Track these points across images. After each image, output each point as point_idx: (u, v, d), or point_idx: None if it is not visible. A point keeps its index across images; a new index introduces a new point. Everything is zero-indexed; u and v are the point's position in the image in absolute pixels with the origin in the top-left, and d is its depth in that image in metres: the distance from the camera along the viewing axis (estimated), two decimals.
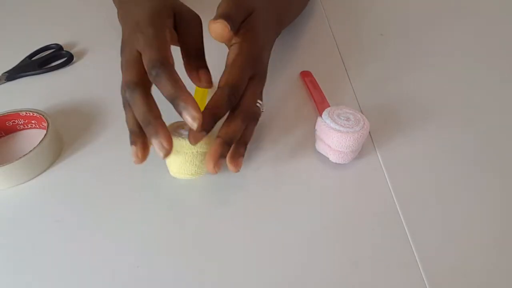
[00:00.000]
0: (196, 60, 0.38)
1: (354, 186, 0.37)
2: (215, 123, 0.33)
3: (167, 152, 0.31)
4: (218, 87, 0.34)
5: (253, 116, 0.37)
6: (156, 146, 0.32)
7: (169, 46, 0.34)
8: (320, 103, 0.44)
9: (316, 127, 0.38)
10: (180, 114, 0.31)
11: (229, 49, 0.38)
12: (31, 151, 0.38)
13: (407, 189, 0.36)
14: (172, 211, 0.36)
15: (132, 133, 0.34)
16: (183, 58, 0.38)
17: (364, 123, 0.37)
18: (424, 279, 0.30)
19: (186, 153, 0.34)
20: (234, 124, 0.34)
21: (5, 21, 0.66)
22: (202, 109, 0.45)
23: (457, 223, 0.34)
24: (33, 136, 0.44)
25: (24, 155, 0.38)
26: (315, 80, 0.47)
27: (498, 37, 0.55)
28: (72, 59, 0.56)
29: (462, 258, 0.31)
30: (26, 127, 0.45)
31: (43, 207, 0.37)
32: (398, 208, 0.35)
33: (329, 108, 0.39)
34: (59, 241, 0.34)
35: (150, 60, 0.32)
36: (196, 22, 0.39)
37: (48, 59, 0.56)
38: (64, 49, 0.58)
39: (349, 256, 0.32)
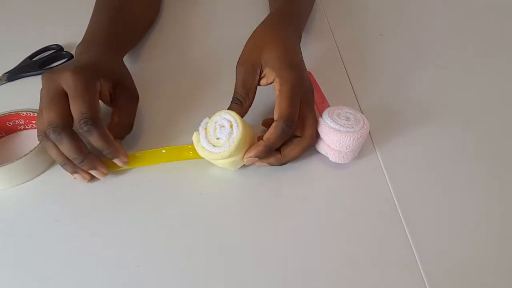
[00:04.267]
0: (122, 132, 0.41)
1: (354, 186, 0.37)
2: (270, 154, 0.36)
3: (127, 164, 0.38)
4: (275, 120, 0.35)
5: (308, 144, 0.38)
6: (95, 175, 0.38)
7: (97, 99, 0.37)
8: (320, 103, 0.43)
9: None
10: (112, 159, 0.37)
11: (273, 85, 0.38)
12: (31, 151, 0.38)
13: (407, 189, 0.36)
14: (171, 210, 0.36)
15: (66, 165, 0.36)
16: (112, 120, 0.40)
17: (364, 123, 0.37)
18: (424, 279, 0.30)
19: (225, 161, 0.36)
20: (290, 149, 0.37)
21: (6, 21, 0.66)
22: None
23: (457, 223, 0.34)
24: (33, 137, 0.43)
25: (24, 155, 0.38)
26: (315, 80, 0.47)
27: (498, 37, 0.55)
28: None
29: (462, 258, 0.31)
30: (26, 127, 0.45)
31: (44, 207, 0.37)
32: (398, 208, 0.35)
33: (329, 108, 0.39)
34: (59, 241, 0.34)
35: (81, 114, 0.34)
36: (134, 97, 0.43)
37: (49, 59, 0.56)
38: (65, 50, 0.58)
39: (349, 256, 0.32)
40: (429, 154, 0.39)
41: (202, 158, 0.37)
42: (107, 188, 0.38)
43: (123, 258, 0.33)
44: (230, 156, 0.34)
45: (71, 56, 0.56)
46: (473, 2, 0.61)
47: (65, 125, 0.35)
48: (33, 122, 0.44)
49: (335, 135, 0.36)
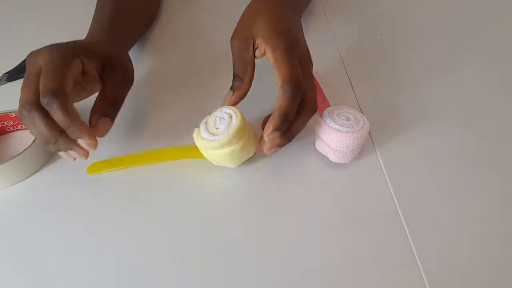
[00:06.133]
0: (108, 107, 0.38)
1: (354, 186, 0.37)
2: (288, 124, 0.34)
3: (94, 147, 0.35)
4: (280, 87, 0.34)
5: (313, 109, 0.36)
6: (82, 144, 0.34)
7: (70, 74, 0.35)
8: (320, 103, 0.43)
9: (316, 127, 0.38)
10: (75, 141, 0.34)
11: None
12: (23, 151, 0.38)
13: (407, 189, 0.36)
14: (170, 210, 0.36)
15: (58, 141, 0.34)
16: (95, 101, 0.38)
17: (364, 123, 0.37)
18: (424, 279, 0.30)
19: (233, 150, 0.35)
20: (293, 121, 0.35)
21: (6, 21, 0.66)
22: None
23: (457, 223, 0.34)
24: (24, 138, 0.43)
25: (16, 156, 0.37)
26: (316, 80, 0.47)
27: (498, 37, 0.55)
28: None
29: (462, 258, 0.31)
30: (16, 128, 0.43)
31: (38, 207, 0.37)
32: (398, 208, 0.35)
33: (329, 108, 0.39)
34: (58, 241, 0.34)
35: (44, 86, 0.33)
36: (124, 77, 0.40)
37: None
38: None
39: (349, 256, 0.32)
40: (429, 154, 0.39)
41: (202, 158, 0.37)
42: (106, 188, 0.38)
43: (123, 258, 0.33)
44: (229, 143, 0.34)
45: None
46: (473, 2, 0.61)
47: (37, 102, 0.33)
48: None
49: (335, 135, 0.36)
